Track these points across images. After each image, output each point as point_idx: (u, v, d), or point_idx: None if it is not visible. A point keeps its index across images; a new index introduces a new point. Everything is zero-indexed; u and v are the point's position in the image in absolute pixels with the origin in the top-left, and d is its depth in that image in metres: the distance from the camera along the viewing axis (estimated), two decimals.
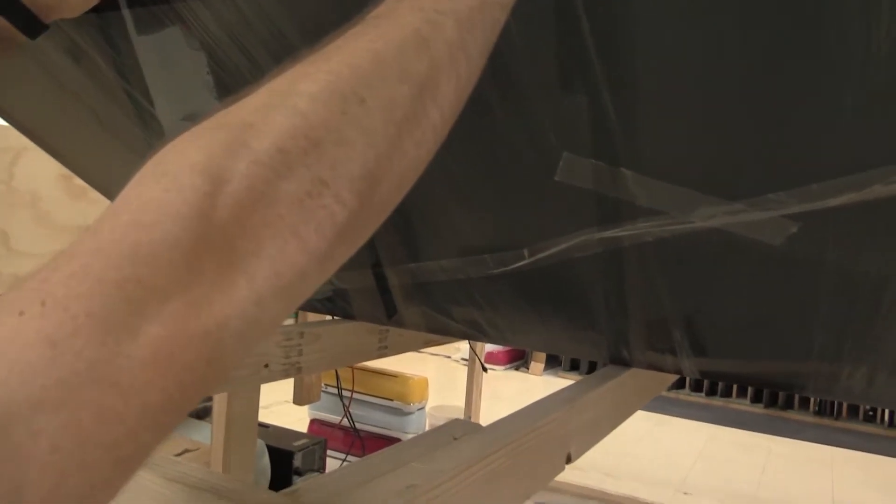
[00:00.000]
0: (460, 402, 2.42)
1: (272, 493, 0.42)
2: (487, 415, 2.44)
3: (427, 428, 2.38)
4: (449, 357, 4.30)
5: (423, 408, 2.32)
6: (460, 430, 0.55)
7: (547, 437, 0.66)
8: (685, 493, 2.58)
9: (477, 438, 0.55)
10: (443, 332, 0.91)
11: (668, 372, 0.84)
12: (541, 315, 0.82)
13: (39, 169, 1.19)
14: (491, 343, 1.90)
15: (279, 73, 0.29)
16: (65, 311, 0.21)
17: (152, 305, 0.22)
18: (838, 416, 3.72)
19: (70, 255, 0.22)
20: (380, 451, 0.52)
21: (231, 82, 0.64)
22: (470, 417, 2.35)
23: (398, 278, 0.84)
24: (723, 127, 0.47)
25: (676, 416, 3.55)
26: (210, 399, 1.17)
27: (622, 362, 0.88)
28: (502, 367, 4.40)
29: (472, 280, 0.77)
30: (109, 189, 0.95)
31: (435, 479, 0.45)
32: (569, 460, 0.73)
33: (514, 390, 3.92)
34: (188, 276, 0.23)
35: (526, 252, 0.67)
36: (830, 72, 0.41)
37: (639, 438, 2.89)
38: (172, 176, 0.24)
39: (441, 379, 2.61)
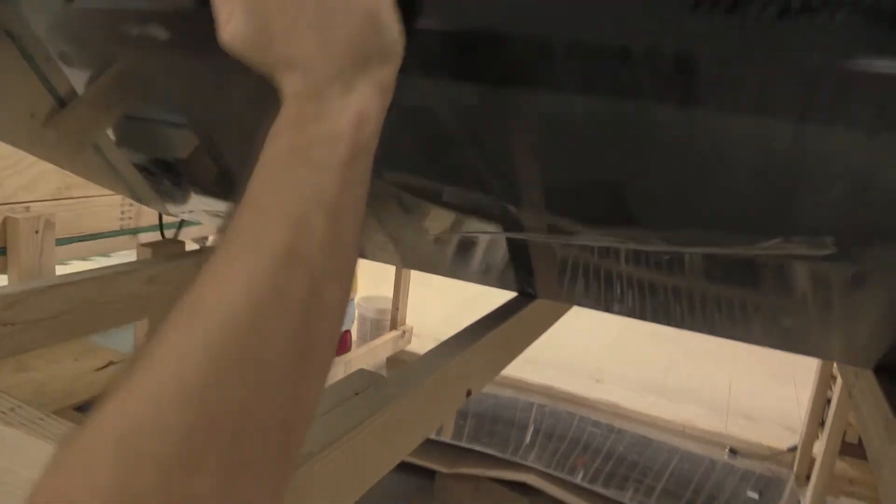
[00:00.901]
0: (390, 292, 2.49)
1: None
2: (415, 305, 2.54)
3: (356, 319, 2.46)
4: None
5: (352, 300, 2.38)
6: (362, 383, 0.59)
7: (447, 380, 0.71)
8: (597, 381, 2.77)
9: (376, 393, 0.59)
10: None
11: (570, 303, 0.91)
12: (452, 267, 0.86)
13: None
14: (407, 268, 1.92)
15: (153, 337, 0.27)
16: None
17: None
18: None
19: None
20: None
21: None
22: (397, 310, 2.43)
23: None
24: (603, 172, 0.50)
25: None
26: None
27: (528, 296, 0.94)
28: None
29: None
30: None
31: (330, 443, 0.50)
32: (469, 395, 0.79)
33: (443, 278, 4.03)
34: None
35: None
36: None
37: (556, 328, 3.05)
38: None
39: (373, 267, 2.66)
